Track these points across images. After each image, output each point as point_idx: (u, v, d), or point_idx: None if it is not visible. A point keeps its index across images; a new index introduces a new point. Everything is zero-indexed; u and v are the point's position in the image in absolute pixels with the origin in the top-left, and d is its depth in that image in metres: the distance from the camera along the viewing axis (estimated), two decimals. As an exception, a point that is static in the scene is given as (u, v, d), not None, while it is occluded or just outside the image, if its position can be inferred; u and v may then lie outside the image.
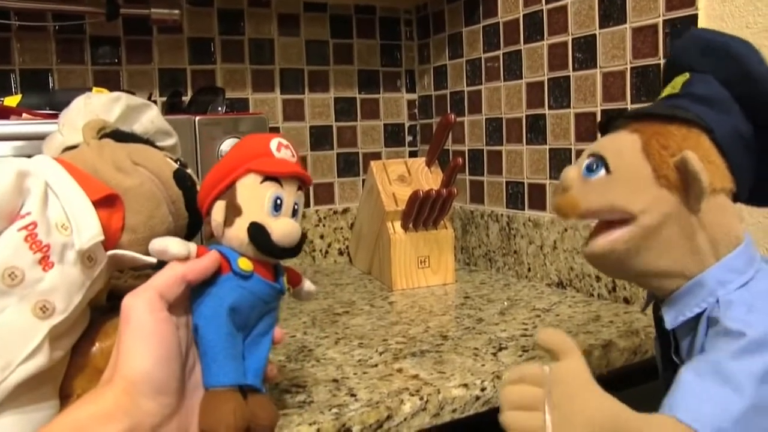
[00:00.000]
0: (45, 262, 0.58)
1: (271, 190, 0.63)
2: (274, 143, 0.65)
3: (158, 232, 0.68)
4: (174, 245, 0.60)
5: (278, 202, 0.63)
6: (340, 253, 1.74)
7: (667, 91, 0.71)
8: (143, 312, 0.56)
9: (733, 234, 0.66)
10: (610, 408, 0.57)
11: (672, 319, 0.68)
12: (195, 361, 0.61)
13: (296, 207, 0.66)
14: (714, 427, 0.55)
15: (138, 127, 0.77)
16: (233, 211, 0.63)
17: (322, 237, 1.71)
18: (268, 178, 0.63)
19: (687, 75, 0.70)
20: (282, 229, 0.63)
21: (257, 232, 0.62)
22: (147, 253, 0.64)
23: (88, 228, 0.61)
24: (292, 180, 0.65)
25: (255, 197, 0.63)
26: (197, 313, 0.60)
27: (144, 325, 0.56)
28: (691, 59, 0.70)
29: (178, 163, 0.74)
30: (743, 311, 0.61)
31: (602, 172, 0.67)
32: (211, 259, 0.61)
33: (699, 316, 0.66)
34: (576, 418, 0.57)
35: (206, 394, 0.59)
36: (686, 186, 0.63)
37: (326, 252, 1.72)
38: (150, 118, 0.78)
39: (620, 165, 0.66)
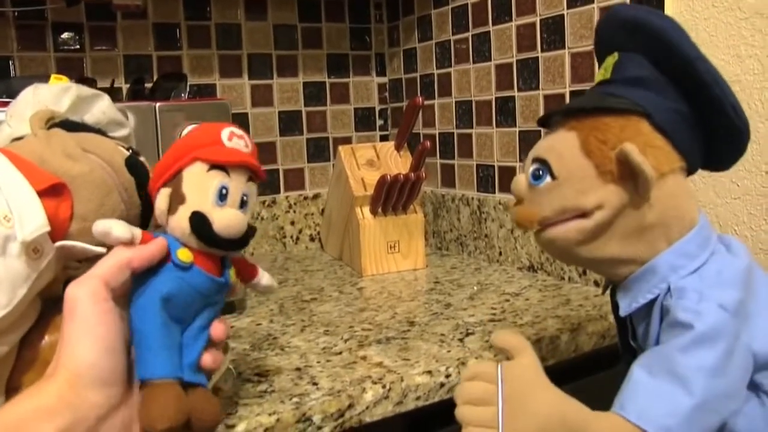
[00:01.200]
0: None
1: (216, 179, 0.61)
2: (225, 132, 0.63)
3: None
4: (117, 227, 0.57)
5: (224, 191, 0.61)
6: (312, 239, 1.72)
7: (599, 75, 0.70)
8: (87, 303, 0.54)
9: (687, 217, 0.65)
10: (559, 403, 0.60)
11: (626, 306, 0.68)
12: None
13: (245, 198, 0.63)
14: (661, 426, 0.56)
15: (89, 117, 0.75)
16: (177, 200, 0.61)
17: (292, 223, 1.69)
18: (214, 166, 0.61)
19: (616, 55, 0.68)
20: (225, 219, 0.60)
21: (199, 222, 0.59)
22: (98, 243, 0.62)
23: (33, 219, 0.59)
24: (240, 170, 0.63)
25: (200, 186, 0.61)
26: (132, 303, 0.58)
27: (89, 316, 0.54)
28: (617, 38, 0.69)
29: (131, 151, 0.72)
30: (695, 300, 0.61)
31: (548, 178, 0.67)
32: (157, 246, 0.59)
33: (653, 301, 0.65)
34: (526, 412, 0.59)
35: (145, 388, 0.56)
36: (632, 177, 0.62)
37: (297, 238, 1.70)
38: (101, 108, 0.76)
39: (563, 169, 0.66)
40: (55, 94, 0.73)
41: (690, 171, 0.68)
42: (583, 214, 0.65)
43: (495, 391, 0.61)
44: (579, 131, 0.66)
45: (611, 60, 0.68)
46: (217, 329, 0.64)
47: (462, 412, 0.62)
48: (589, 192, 0.64)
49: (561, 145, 0.66)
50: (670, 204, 0.64)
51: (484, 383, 0.62)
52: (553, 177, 0.66)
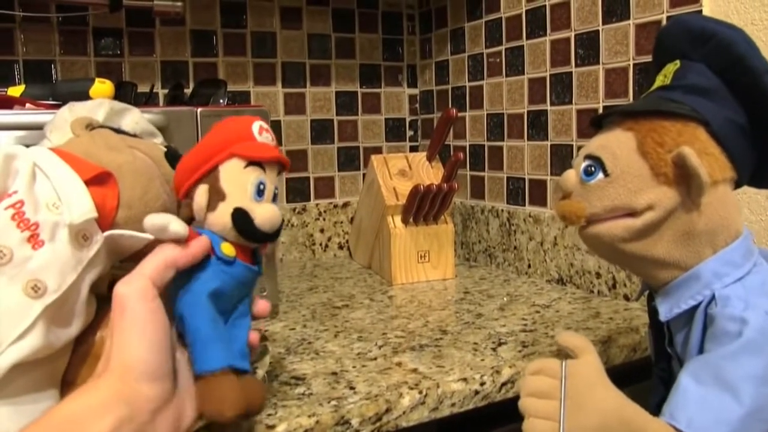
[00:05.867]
0: (34, 241, 0.57)
1: (254, 175, 0.63)
2: (255, 127, 0.65)
3: (153, 207, 0.67)
4: (175, 223, 0.59)
5: (261, 187, 0.63)
6: (340, 247, 1.74)
7: (658, 81, 0.70)
8: (137, 301, 0.56)
9: (733, 227, 0.66)
10: (619, 403, 0.62)
11: (666, 311, 0.68)
12: (177, 346, 0.61)
13: (276, 191, 0.66)
14: None
15: (124, 127, 0.77)
16: (216, 196, 0.63)
17: (322, 231, 1.71)
18: (251, 162, 0.63)
19: (677, 63, 0.69)
20: (265, 214, 0.63)
21: (241, 218, 0.62)
22: (143, 231, 0.63)
23: (80, 205, 0.60)
24: (273, 165, 0.65)
25: (239, 182, 0.63)
26: (181, 301, 0.60)
27: (138, 314, 0.56)
28: (681, 47, 0.69)
29: (168, 148, 0.74)
30: (740, 308, 0.62)
31: (600, 175, 0.67)
32: (201, 245, 0.61)
33: (694, 308, 0.66)
34: (587, 408, 0.62)
35: (201, 380, 0.59)
36: (686, 181, 0.63)
37: (326, 246, 1.72)
38: (134, 119, 0.78)
39: (617, 167, 0.66)
40: (90, 108, 0.76)
41: (738, 184, 0.68)
42: (632, 213, 0.66)
43: (558, 386, 0.63)
44: (636, 132, 0.66)
45: (672, 67, 0.69)
46: (261, 306, 0.68)
47: (525, 403, 0.65)
48: (641, 192, 0.65)
49: (616, 145, 0.67)
50: (719, 212, 0.65)
51: (548, 378, 0.64)
52: (606, 174, 0.67)
